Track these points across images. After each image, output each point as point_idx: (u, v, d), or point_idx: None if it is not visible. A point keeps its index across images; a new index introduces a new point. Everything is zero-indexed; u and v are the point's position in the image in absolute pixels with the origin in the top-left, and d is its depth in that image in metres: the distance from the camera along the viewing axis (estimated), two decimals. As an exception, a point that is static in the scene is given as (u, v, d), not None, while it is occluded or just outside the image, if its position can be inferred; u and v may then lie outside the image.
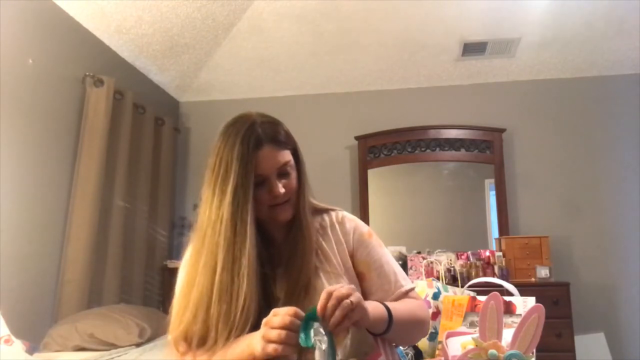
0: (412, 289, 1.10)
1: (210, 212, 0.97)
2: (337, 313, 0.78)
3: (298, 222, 1.05)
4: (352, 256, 1.09)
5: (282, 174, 1.01)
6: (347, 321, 0.79)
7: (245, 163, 0.96)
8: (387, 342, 1.05)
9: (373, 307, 0.91)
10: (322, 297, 0.80)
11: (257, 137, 0.98)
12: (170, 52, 3.29)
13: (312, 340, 0.75)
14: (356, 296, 0.82)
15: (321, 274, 1.03)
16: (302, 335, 0.76)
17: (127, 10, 2.77)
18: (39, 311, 2.42)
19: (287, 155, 1.02)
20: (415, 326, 1.05)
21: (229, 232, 0.94)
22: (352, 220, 1.14)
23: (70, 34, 2.70)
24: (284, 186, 1.00)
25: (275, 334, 0.78)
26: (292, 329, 0.78)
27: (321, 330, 0.76)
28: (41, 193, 2.45)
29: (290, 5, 3.02)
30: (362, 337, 1.01)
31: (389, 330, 0.93)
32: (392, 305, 0.97)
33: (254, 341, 0.84)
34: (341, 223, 1.12)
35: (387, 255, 1.12)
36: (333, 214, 1.14)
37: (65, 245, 2.55)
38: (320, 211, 1.14)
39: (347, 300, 0.79)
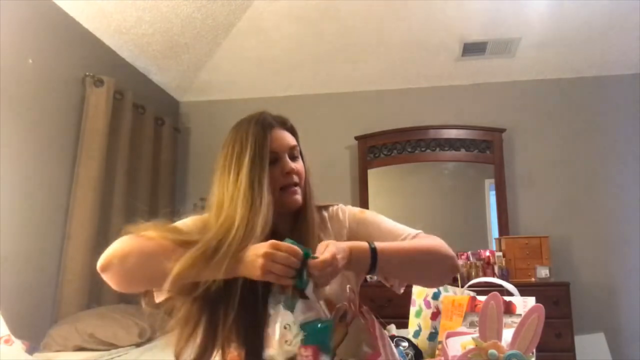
0: (419, 234, 1.10)
1: (227, 187, 1.00)
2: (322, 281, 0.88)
3: (303, 214, 1.08)
4: (352, 239, 1.10)
5: (292, 156, 1.08)
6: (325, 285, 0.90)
7: (262, 138, 1.02)
8: (387, 341, 1.05)
9: (352, 250, 0.93)
10: (319, 264, 0.87)
11: (269, 121, 1.07)
12: (170, 52, 3.29)
13: (306, 282, 0.85)
14: (333, 266, 0.88)
15: None
16: (297, 280, 0.85)
17: (127, 10, 2.77)
18: (39, 311, 2.42)
19: (295, 141, 1.10)
20: (427, 258, 1.03)
21: (248, 199, 0.96)
22: (344, 209, 1.17)
23: (70, 34, 2.70)
24: (295, 171, 1.05)
25: (278, 268, 0.85)
26: (292, 267, 0.85)
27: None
28: (41, 193, 2.45)
29: (290, 6, 3.02)
30: (362, 337, 1.01)
31: (376, 264, 0.94)
32: (382, 243, 0.98)
33: (247, 264, 0.87)
34: (336, 215, 1.16)
35: (383, 221, 1.13)
36: (330, 208, 1.18)
37: (66, 244, 2.55)
38: (319, 208, 1.16)
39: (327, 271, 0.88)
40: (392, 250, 0.99)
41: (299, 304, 0.85)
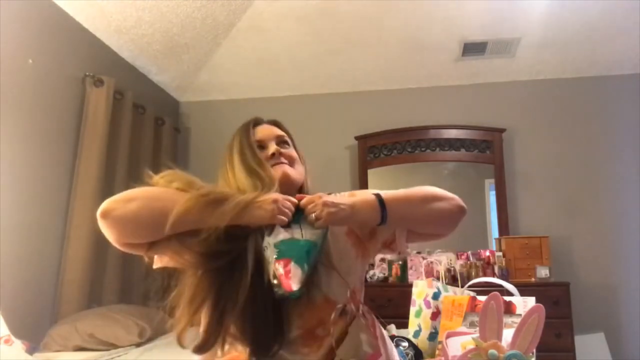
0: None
1: (227, 187, 1.03)
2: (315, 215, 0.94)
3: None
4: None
5: (281, 142, 1.11)
6: (321, 221, 0.94)
7: (245, 132, 1.09)
8: (387, 341, 1.04)
9: (358, 203, 0.97)
10: (307, 199, 0.96)
11: (258, 119, 1.14)
12: (170, 52, 3.29)
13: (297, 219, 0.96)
14: (325, 212, 0.94)
15: (318, 267, 1.02)
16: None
17: (127, 10, 2.77)
18: (39, 311, 2.42)
19: (284, 134, 1.14)
20: (432, 197, 1.04)
21: (252, 183, 0.99)
22: (336, 196, 1.16)
23: (70, 34, 2.70)
24: (282, 153, 1.09)
25: (285, 212, 0.93)
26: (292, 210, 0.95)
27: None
28: (41, 193, 2.45)
29: (290, 5, 3.02)
30: (362, 337, 1.01)
31: (385, 213, 0.97)
32: (384, 192, 1.01)
33: (255, 209, 0.92)
34: None
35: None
36: None
37: (65, 245, 2.54)
38: None
39: (315, 214, 0.94)
40: (396, 195, 1.01)
41: (276, 229, 0.93)
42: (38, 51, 2.44)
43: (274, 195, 0.94)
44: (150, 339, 2.35)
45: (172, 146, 3.70)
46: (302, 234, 0.93)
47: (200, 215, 0.88)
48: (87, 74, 2.76)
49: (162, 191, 0.94)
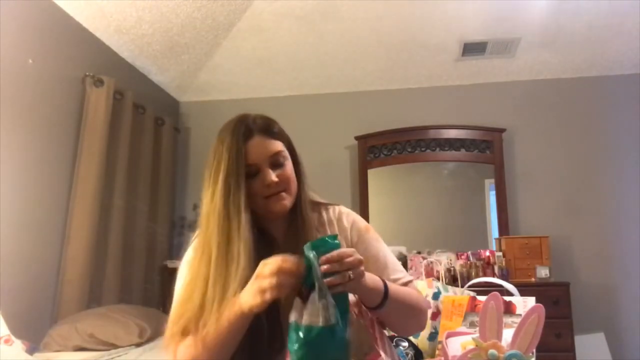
0: (411, 281, 1.11)
1: (206, 206, 0.99)
2: (337, 279, 0.82)
3: (299, 217, 1.05)
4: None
5: (275, 164, 1.02)
6: (340, 287, 0.83)
7: (236, 152, 0.98)
8: (386, 341, 1.04)
9: (370, 278, 0.92)
10: (333, 256, 0.82)
11: (247, 128, 1.01)
12: (170, 52, 3.29)
13: (310, 281, 0.81)
14: (357, 272, 0.84)
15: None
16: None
17: (127, 10, 2.77)
18: (39, 311, 2.42)
19: (279, 146, 1.03)
20: (413, 312, 1.05)
21: (222, 220, 0.95)
22: (349, 215, 1.14)
23: (70, 34, 2.70)
24: (277, 176, 1.00)
25: (267, 282, 0.82)
26: (285, 273, 0.82)
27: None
28: (41, 193, 2.45)
29: (290, 5, 3.02)
30: (362, 337, 1.01)
31: (384, 305, 0.95)
32: (390, 283, 0.99)
33: (242, 299, 0.86)
34: (339, 219, 1.12)
35: (384, 249, 1.12)
36: (331, 209, 1.14)
37: (65, 245, 2.54)
38: (318, 206, 1.13)
39: (348, 273, 0.83)
40: (398, 296, 0.99)
41: (294, 305, 0.82)
42: (38, 51, 2.44)
43: (269, 281, 0.82)
44: (150, 339, 2.35)
45: (172, 146, 3.70)
46: (314, 309, 0.79)
47: (228, 342, 0.91)
48: (87, 74, 2.75)
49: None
